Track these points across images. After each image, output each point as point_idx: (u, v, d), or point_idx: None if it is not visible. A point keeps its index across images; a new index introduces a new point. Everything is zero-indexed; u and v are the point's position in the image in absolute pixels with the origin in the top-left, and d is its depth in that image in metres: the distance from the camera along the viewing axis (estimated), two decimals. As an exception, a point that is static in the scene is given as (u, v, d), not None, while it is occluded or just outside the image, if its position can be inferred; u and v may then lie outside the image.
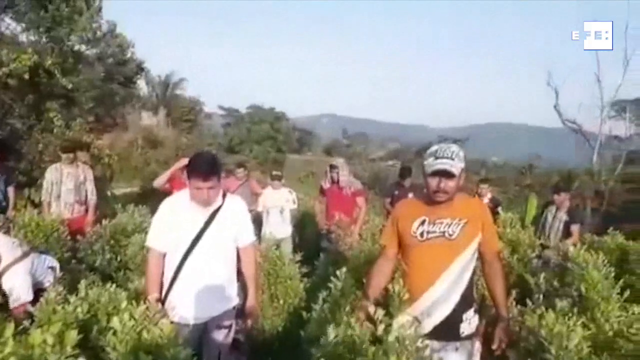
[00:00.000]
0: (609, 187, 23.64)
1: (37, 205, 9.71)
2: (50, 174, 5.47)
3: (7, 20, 13.55)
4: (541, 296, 2.76)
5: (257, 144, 40.06)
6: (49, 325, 1.67)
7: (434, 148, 2.19)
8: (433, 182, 2.14)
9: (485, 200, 6.59)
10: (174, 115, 35.78)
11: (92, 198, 5.66)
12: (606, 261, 3.42)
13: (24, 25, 13.46)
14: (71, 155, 5.55)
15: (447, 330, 2.21)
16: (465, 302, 2.22)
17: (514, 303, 3.02)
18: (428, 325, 2.20)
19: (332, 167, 5.61)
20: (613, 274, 3.28)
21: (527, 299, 2.69)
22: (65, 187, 5.45)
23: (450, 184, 2.12)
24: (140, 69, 26.62)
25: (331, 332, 1.94)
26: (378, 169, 39.84)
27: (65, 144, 5.87)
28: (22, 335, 1.59)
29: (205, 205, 2.48)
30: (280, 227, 5.94)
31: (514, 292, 3.21)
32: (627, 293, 2.96)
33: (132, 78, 26.72)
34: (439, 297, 2.19)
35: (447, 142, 2.48)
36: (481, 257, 2.29)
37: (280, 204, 6.04)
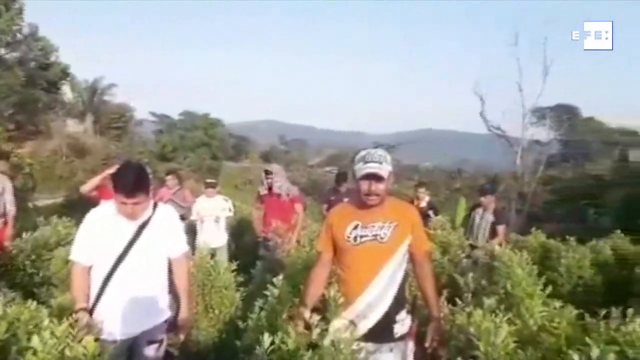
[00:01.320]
0: (532, 189, 25.22)
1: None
2: None
3: None
4: (470, 295, 2.87)
5: (191, 151, 39.07)
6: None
7: (362, 153, 2.26)
8: (363, 185, 2.20)
9: (423, 203, 6.76)
10: (102, 122, 34.28)
11: (11, 210, 5.28)
12: (530, 259, 3.62)
13: None
14: None
15: (381, 332, 2.25)
16: (398, 303, 2.28)
17: (445, 302, 3.13)
18: (363, 328, 2.23)
19: (266, 172, 5.54)
20: (536, 271, 3.48)
21: (458, 298, 2.79)
22: None
23: (380, 187, 2.18)
24: (64, 73, 25.39)
25: (266, 341, 1.92)
26: (316, 175, 40.13)
27: None
28: None
29: (130, 219, 2.39)
30: (215, 236, 5.83)
31: (445, 292, 3.33)
32: (549, 289, 3.14)
33: (56, 83, 25.45)
34: (373, 300, 2.23)
35: (381, 148, 2.55)
36: (412, 258, 2.36)
37: (215, 212, 5.93)
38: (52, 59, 22.70)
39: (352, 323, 2.22)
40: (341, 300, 2.14)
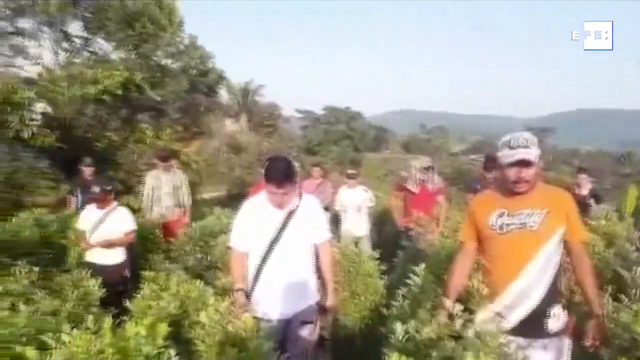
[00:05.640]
0: None
1: (135, 211, 10.50)
2: (150, 180, 5.92)
3: (100, 40, 14.78)
4: (638, 291, 2.55)
5: (334, 145, 40.39)
6: (142, 318, 1.81)
7: (506, 138, 2.14)
8: (511, 172, 2.08)
9: (584, 191, 6.17)
10: (255, 121, 36.98)
11: (188, 201, 6.07)
12: None
13: (114, 44, 14.62)
14: (169, 163, 5.99)
15: (532, 327, 2.12)
16: (551, 297, 2.13)
17: (609, 299, 2.82)
18: (512, 321, 2.13)
19: (426, 169, 5.35)
20: None
21: (623, 295, 2.51)
22: (164, 191, 5.89)
23: (530, 172, 2.06)
24: (221, 78, 27.73)
25: (399, 329, 1.94)
26: (460, 164, 38.70)
27: (162, 154, 6.32)
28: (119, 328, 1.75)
29: (279, 208, 2.58)
30: (357, 225, 5.96)
31: (609, 288, 3.00)
32: None
33: (214, 87, 27.88)
34: (523, 291, 2.11)
35: (534, 132, 2.40)
36: (567, 249, 2.17)
37: (356, 202, 6.06)
38: (210, 65, 24.97)
39: (500, 315, 2.13)
40: (486, 291, 2.06)
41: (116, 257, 4.37)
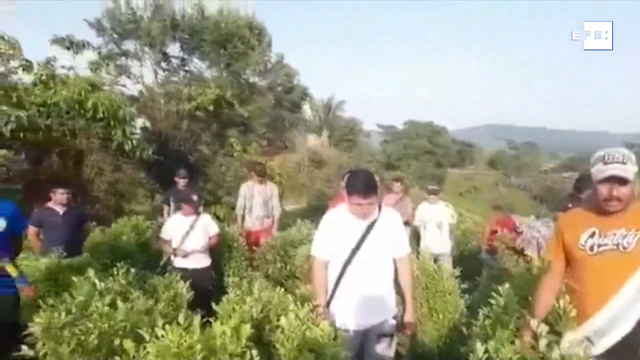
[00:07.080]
0: None
1: (221, 220, 11.03)
2: (244, 190, 6.23)
3: (195, 60, 15.80)
4: None
5: (415, 160, 39.85)
6: (228, 320, 1.93)
7: (601, 153, 2.02)
8: (604, 189, 1.96)
9: None
10: (336, 136, 37.47)
11: (277, 212, 6.30)
12: None
13: (208, 63, 15.56)
14: (264, 177, 6.32)
15: (625, 353, 1.98)
16: None
17: None
18: (602, 346, 2.00)
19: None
20: None
21: None
22: (256, 202, 6.17)
23: (624, 191, 1.93)
24: (305, 94, 28.52)
25: (479, 348, 1.89)
26: (551, 181, 36.61)
27: (259, 167, 6.66)
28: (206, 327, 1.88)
29: (363, 219, 2.61)
30: (438, 242, 5.83)
31: None
32: None
33: (298, 104, 28.72)
34: (615, 316, 1.98)
35: (634, 149, 2.26)
36: None
37: (437, 218, 5.94)
38: (295, 82, 25.77)
39: (589, 339, 2.01)
40: (574, 313, 1.95)
41: (206, 260, 4.66)
